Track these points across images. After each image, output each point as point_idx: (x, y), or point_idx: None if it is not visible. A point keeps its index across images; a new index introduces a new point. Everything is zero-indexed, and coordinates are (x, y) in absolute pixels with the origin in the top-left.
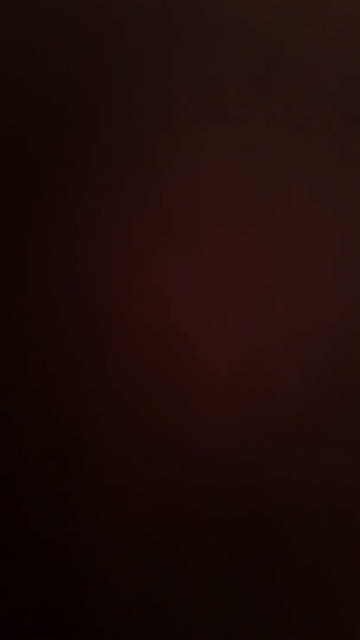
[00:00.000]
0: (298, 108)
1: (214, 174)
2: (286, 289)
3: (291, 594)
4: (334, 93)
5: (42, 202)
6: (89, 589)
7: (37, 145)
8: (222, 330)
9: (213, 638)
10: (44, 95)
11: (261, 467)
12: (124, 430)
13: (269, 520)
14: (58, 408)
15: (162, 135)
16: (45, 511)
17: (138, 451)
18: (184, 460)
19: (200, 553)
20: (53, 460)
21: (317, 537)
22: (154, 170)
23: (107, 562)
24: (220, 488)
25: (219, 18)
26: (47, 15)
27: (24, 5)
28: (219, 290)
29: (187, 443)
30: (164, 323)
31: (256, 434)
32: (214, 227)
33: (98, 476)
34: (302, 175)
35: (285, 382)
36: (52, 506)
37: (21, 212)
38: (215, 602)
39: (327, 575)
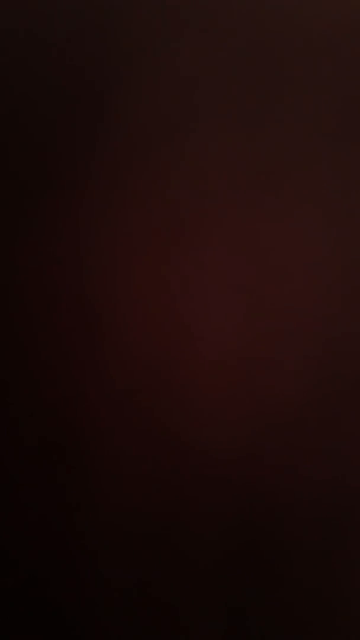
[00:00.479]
0: (299, 112)
1: (217, 171)
2: (286, 285)
3: (291, 587)
4: (333, 99)
5: (46, 197)
6: (87, 582)
7: (40, 140)
8: (222, 325)
9: (213, 631)
10: (47, 92)
11: (261, 460)
12: (124, 423)
13: (269, 514)
14: (59, 401)
15: (166, 134)
16: (44, 504)
17: (138, 444)
18: (184, 454)
19: (200, 546)
20: (53, 452)
21: (318, 531)
22: (157, 167)
23: (107, 555)
24: (220, 481)
25: (224, 17)
26: (50, 7)
27: None
28: (220, 285)
29: (187, 436)
30: (164, 317)
31: (256, 428)
32: (215, 222)
33: (97, 469)
34: (301, 177)
35: (286, 376)
36: (51, 499)
37: (24, 208)
38: (215, 595)
39: (328, 569)
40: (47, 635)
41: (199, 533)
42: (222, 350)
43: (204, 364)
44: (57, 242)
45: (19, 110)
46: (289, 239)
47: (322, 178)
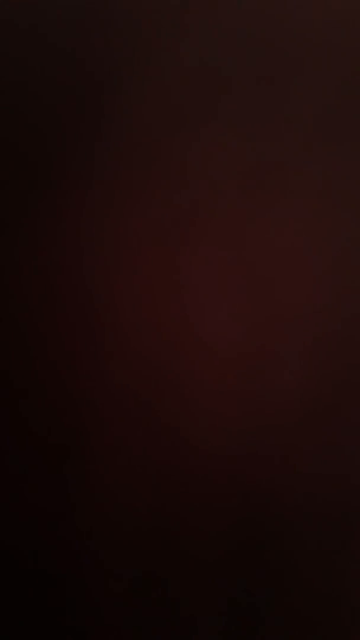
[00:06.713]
0: (298, 106)
1: (218, 167)
2: (285, 280)
3: (292, 585)
4: (333, 92)
5: (46, 197)
6: (89, 578)
7: (41, 139)
8: (223, 321)
9: (214, 627)
10: (48, 89)
11: (262, 458)
12: (125, 419)
13: (271, 510)
14: (60, 398)
15: (168, 132)
16: (46, 500)
17: (139, 441)
18: (185, 451)
19: (202, 543)
20: (54, 447)
21: (319, 528)
22: (159, 165)
23: (108, 551)
24: (221, 477)
25: (226, 15)
26: (52, 1)
27: None
28: (220, 280)
29: (188, 433)
30: (165, 314)
31: (258, 424)
32: (215, 218)
33: (99, 465)
34: (300, 174)
35: (287, 372)
36: (53, 495)
37: (25, 207)
38: (216, 591)
39: (329, 565)
40: (49, 632)
41: (200, 530)
42: (222, 346)
43: (204, 360)
44: (58, 241)
45: (20, 107)
46: (288, 237)
47: (321, 175)
